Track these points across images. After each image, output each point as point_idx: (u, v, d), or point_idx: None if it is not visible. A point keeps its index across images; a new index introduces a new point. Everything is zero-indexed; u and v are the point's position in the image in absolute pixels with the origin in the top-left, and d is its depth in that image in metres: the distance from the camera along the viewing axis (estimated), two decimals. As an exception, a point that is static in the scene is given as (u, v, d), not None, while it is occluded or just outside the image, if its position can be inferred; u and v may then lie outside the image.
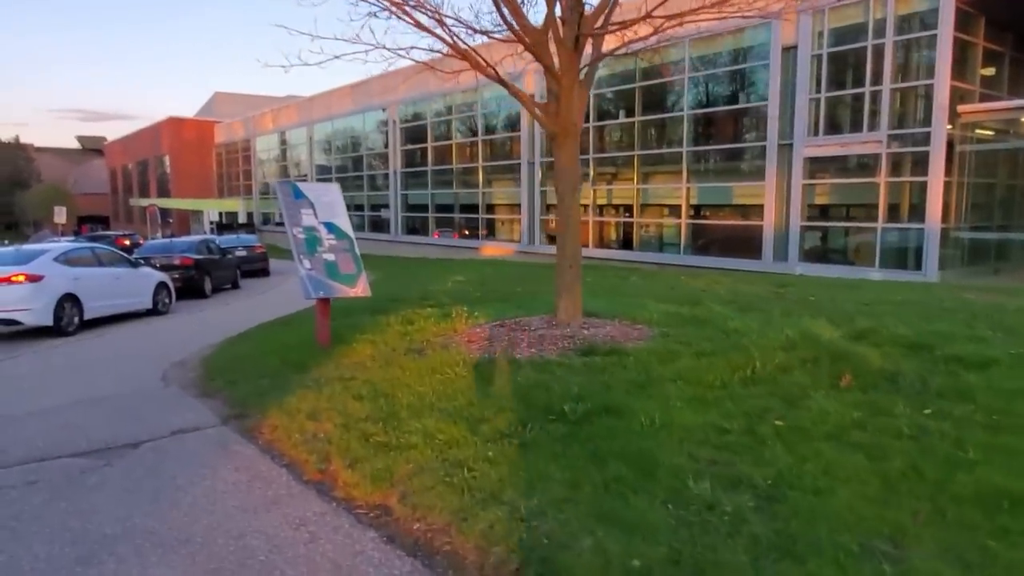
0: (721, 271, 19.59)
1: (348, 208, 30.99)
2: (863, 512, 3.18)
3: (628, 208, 24.43)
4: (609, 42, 7.92)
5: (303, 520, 3.83)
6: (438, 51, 7.75)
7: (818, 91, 18.33)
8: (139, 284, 14.15)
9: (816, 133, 18.39)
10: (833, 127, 18.36)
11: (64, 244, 12.70)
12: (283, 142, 46.62)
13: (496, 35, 7.53)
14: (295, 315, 11.67)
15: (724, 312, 7.87)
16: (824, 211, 19.82)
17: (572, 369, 5.63)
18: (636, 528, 3.21)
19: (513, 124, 28.35)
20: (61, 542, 3.69)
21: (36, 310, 11.31)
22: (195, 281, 17.77)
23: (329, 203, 7.61)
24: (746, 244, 20.42)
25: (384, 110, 35.34)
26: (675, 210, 22.48)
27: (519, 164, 27.64)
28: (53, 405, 6.47)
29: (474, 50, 7.40)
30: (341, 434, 4.91)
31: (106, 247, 14.27)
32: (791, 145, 18.82)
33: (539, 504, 3.58)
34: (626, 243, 24.60)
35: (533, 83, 26.24)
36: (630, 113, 23.39)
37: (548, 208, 27.36)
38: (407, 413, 5.09)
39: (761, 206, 19.73)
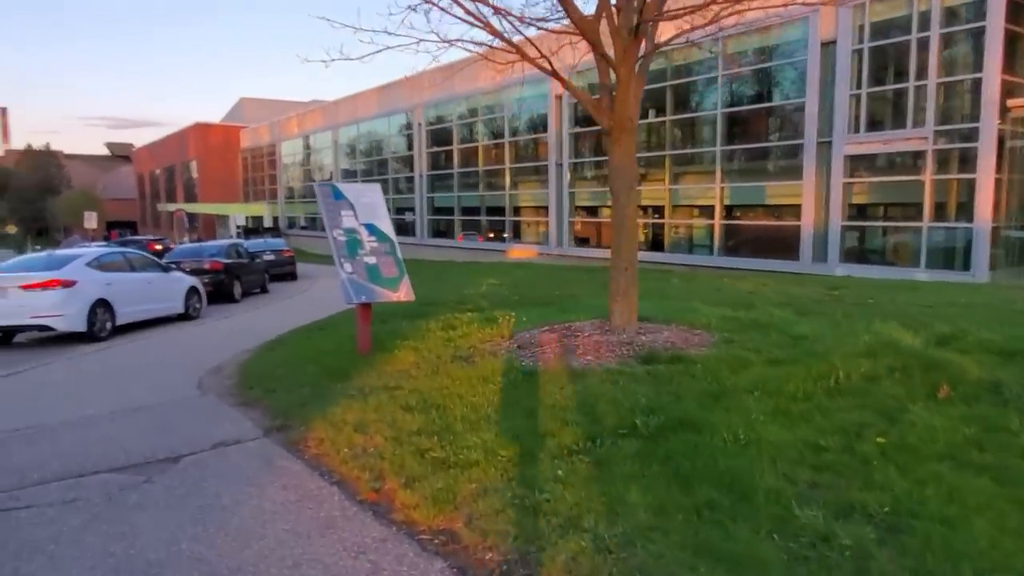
0: (758, 272, 19.08)
1: None
2: (1009, 547, 2.78)
3: (659, 209, 23.95)
4: (664, 32, 7.54)
5: (362, 547, 3.50)
6: (485, 43, 7.36)
7: (858, 87, 17.76)
8: (171, 289, 14.01)
9: (856, 130, 17.83)
10: (874, 124, 17.78)
11: (96, 249, 12.59)
12: (307, 146, 46.72)
13: (548, 25, 7.15)
14: (329, 320, 11.42)
15: (784, 316, 7.45)
16: (864, 210, 19.22)
17: (635, 378, 5.25)
18: (743, 564, 2.84)
19: (540, 125, 28.01)
20: (103, 569, 3.40)
21: (69, 316, 11.17)
22: (225, 285, 17.64)
23: (370, 204, 7.30)
24: (782, 245, 19.88)
25: (410, 113, 35.20)
26: (707, 211, 21.99)
27: (546, 166, 27.29)
28: (88, 415, 6.24)
29: (529, 40, 6.99)
30: (393, 449, 4.58)
31: (138, 252, 14.16)
32: (830, 143, 18.26)
33: (625, 533, 3.22)
34: (656, 244, 24.11)
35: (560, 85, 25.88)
36: (661, 113, 22.94)
37: (576, 210, 27.00)
38: (463, 426, 4.75)
39: (798, 206, 19.18)
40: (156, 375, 8.01)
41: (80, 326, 11.33)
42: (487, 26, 6.71)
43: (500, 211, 30.87)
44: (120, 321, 12.21)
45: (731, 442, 4.02)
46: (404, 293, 7.17)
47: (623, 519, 3.34)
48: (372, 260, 7.00)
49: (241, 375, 7.48)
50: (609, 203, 25.88)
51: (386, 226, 7.37)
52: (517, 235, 30.15)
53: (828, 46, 18.13)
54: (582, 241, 27.03)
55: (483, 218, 32.07)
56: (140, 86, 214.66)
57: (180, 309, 14.18)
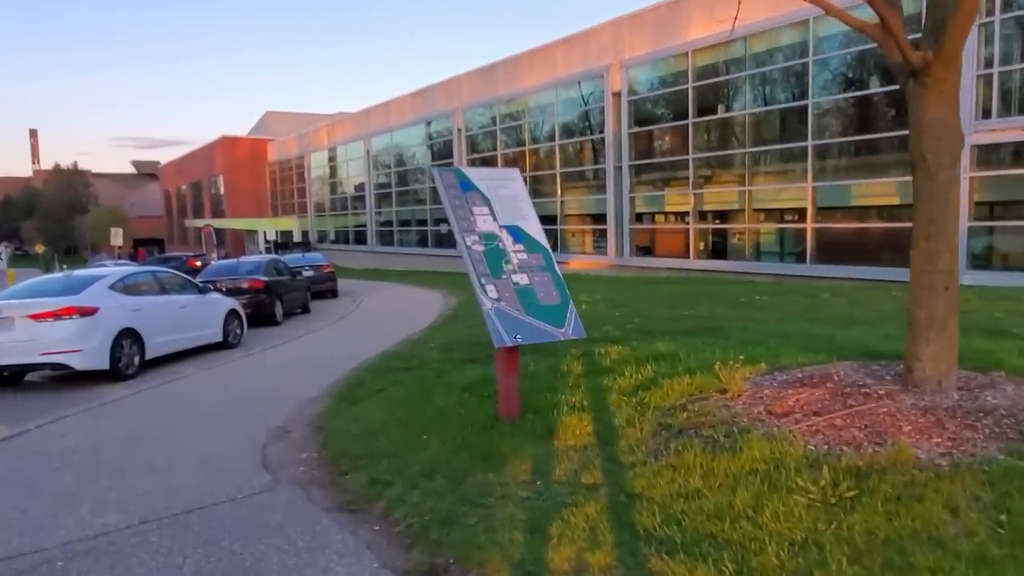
0: (862, 282, 16.73)
1: (410, 223, 28.75)
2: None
3: (736, 213, 21.62)
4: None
5: None
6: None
7: (988, 66, 15.37)
8: (207, 313, 11.97)
9: (988, 116, 15.41)
10: (1012, 108, 15.35)
11: (122, 269, 10.62)
12: (338, 157, 44.98)
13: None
14: (409, 352, 9.28)
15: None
16: (997, 208, 16.74)
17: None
18: None
19: (595, 126, 25.83)
20: None
21: (89, 351, 9.12)
22: (266, 306, 15.62)
23: (511, 198, 5.08)
24: (891, 251, 17.47)
25: (448, 118, 33.22)
26: (796, 214, 19.60)
27: (603, 169, 25.08)
28: (106, 526, 4.09)
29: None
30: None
31: (169, 270, 12.18)
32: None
33: None
34: (734, 252, 21.78)
35: (619, 78, 23.78)
36: (738, 105, 20.66)
37: (639, 217, 24.72)
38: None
39: (910, 205, 16.74)
40: (201, 441, 5.88)
41: (103, 363, 9.29)
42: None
43: (550, 220, 28.68)
44: (150, 355, 10.17)
45: None
46: (572, 328, 4.87)
47: None
48: (523, 280, 4.72)
49: (322, 443, 5.33)
50: (674, 209, 23.49)
51: (535, 228, 5.11)
52: (567, 245, 27.91)
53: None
54: (643, 250, 24.74)
55: (531, 227, 29.84)
56: (167, 107, 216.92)
57: (218, 336, 12.15)
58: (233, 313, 12.71)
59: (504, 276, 4.67)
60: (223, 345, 12.30)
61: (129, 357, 9.71)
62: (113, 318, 9.55)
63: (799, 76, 19.16)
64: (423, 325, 13.00)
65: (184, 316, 11.18)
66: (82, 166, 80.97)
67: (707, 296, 12.58)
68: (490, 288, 4.60)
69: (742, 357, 5.19)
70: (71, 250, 69.71)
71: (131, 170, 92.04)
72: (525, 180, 25.07)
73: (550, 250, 5.12)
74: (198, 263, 23.88)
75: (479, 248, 4.71)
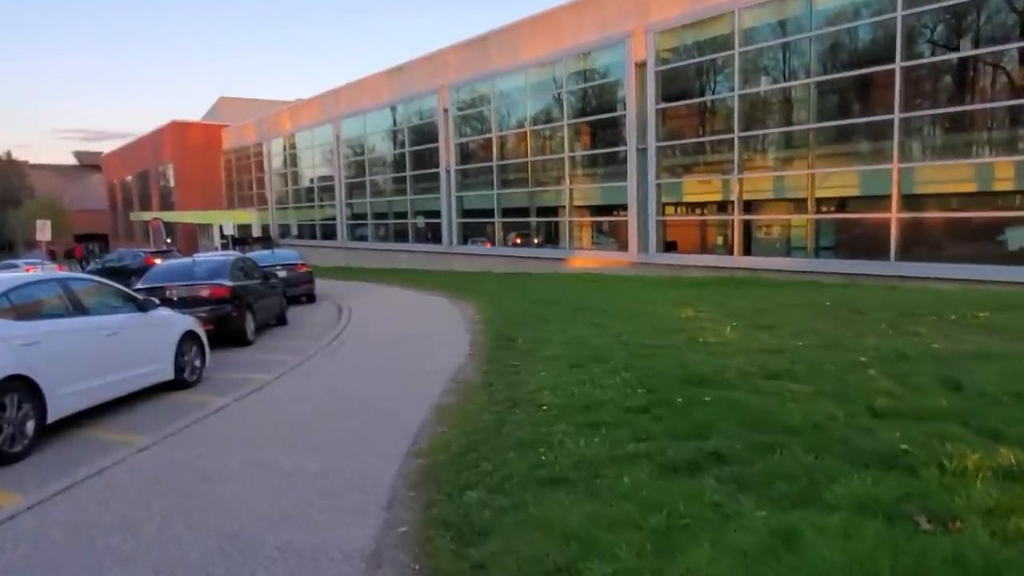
0: (963, 283, 13.71)
1: (386, 216, 24.18)
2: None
3: (796, 202, 18.41)
4: None
5: None
6: None
7: None
8: (151, 340, 8.14)
9: None
10: None
11: (9, 277, 6.76)
12: (296, 144, 40.68)
13: None
14: (487, 414, 5.63)
15: None
16: None
17: None
18: None
19: (614, 102, 22.37)
20: None
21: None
22: (233, 321, 11.79)
23: None
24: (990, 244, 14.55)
25: (432, 97, 29.39)
26: (875, 202, 16.44)
27: (624, 152, 21.64)
28: None
29: None
30: None
31: (88, 278, 8.30)
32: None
33: None
34: (792, 248, 18.59)
35: (644, 46, 20.36)
36: (800, 73, 17.41)
37: (666, 208, 21.34)
38: None
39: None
40: None
41: (-37, 440, 5.46)
42: None
43: (556, 211, 25.19)
44: (55, 415, 6.35)
45: None
46: None
47: None
48: None
49: None
50: (712, 198, 20.06)
51: None
52: (574, 240, 24.40)
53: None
54: (671, 247, 21.39)
55: (533, 219, 26.32)
56: (114, 97, 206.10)
57: (168, 373, 8.34)
58: (190, 337, 8.88)
59: None
60: (176, 385, 8.49)
61: (16, 427, 5.87)
62: (-13, 360, 5.71)
63: (881, 36, 15.97)
64: (459, 351, 9.37)
65: (114, 348, 7.34)
66: (19, 158, 74.88)
67: (866, 308, 9.21)
68: None
69: None
70: (6, 246, 63.85)
71: (73, 161, 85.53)
72: (525, 167, 21.34)
73: None
74: (158, 261, 17.90)
75: None
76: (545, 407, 5.40)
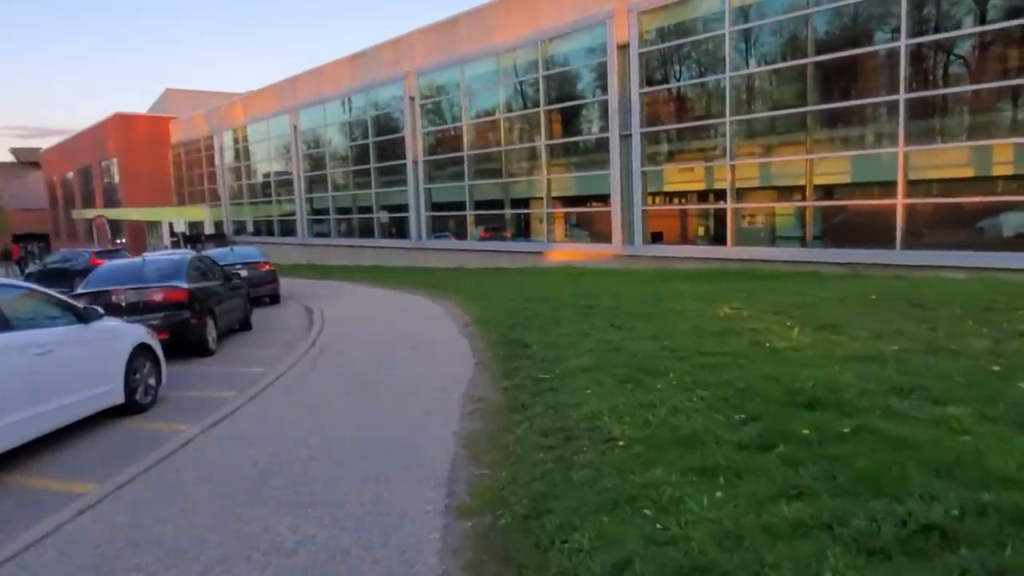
0: (972, 271, 13.04)
1: (350, 211, 22.45)
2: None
3: (790, 190, 17.56)
4: None
5: None
6: None
7: None
8: (94, 357, 6.69)
9: None
10: None
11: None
12: (257, 135, 38.64)
13: None
14: (534, 450, 4.35)
15: None
16: None
17: None
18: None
19: (595, 87, 21.25)
20: None
21: None
22: (192, 328, 10.29)
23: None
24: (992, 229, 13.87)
25: (398, 84, 27.87)
26: (881, 187, 15.64)
27: (606, 139, 20.52)
28: None
29: None
30: None
31: (13, 284, 6.74)
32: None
33: None
34: (789, 237, 17.74)
35: (626, 26, 19.26)
36: (797, 53, 16.51)
37: (653, 197, 20.31)
38: None
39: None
40: None
41: None
42: None
43: (533, 202, 23.97)
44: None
45: None
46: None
47: None
48: None
49: None
50: (703, 186, 19.02)
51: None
52: (553, 233, 23.23)
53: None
54: (657, 237, 20.37)
55: (508, 212, 25.06)
56: (53, 92, 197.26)
57: (118, 396, 6.89)
58: (142, 351, 7.42)
59: None
60: (128, 409, 7.04)
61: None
62: None
63: (882, 12, 15.13)
64: (462, 360, 8.12)
65: (48, 369, 5.87)
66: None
67: (922, 301, 8.19)
68: None
69: None
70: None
71: (11, 159, 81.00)
72: (499, 156, 20.07)
73: None
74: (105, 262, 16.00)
75: None
76: (620, 442, 4.17)
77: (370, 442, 5.24)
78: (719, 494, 3.31)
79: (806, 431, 3.86)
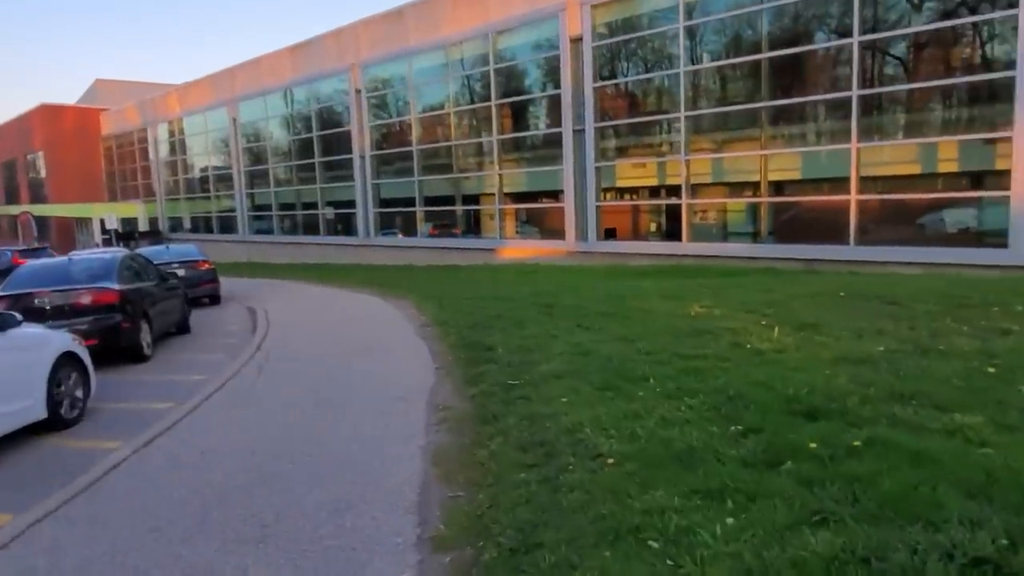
0: (923, 267, 13.24)
1: (294, 207, 21.62)
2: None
3: (744, 186, 17.55)
4: None
5: None
6: None
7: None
8: (13, 368, 5.99)
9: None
10: None
11: None
12: (194, 128, 37.10)
13: None
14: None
15: None
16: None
17: None
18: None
19: (547, 82, 20.91)
20: None
21: None
22: (125, 332, 9.51)
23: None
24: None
25: (342, 76, 27.01)
26: (835, 184, 15.70)
27: (559, 134, 20.20)
28: None
29: None
30: None
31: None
32: None
33: None
34: (743, 232, 17.73)
35: (579, 20, 18.98)
36: (752, 48, 16.47)
37: (606, 192, 20.09)
38: None
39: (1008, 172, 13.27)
40: None
41: None
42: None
43: (484, 198, 23.52)
44: None
45: None
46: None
47: None
48: None
49: None
50: (657, 182, 18.96)
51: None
52: (504, 230, 22.81)
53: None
54: (611, 234, 20.17)
55: (459, 208, 24.55)
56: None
57: (40, 411, 6.19)
58: (68, 360, 6.71)
59: None
60: (51, 424, 6.33)
61: None
62: None
63: (834, 9, 15.20)
64: (422, 364, 7.65)
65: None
66: None
67: (895, 298, 8.06)
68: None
69: None
70: None
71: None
72: (449, 151, 19.56)
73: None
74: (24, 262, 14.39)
75: None
76: (610, 459, 3.78)
77: (327, 461, 4.73)
78: (731, 520, 2.94)
79: (813, 445, 3.53)
